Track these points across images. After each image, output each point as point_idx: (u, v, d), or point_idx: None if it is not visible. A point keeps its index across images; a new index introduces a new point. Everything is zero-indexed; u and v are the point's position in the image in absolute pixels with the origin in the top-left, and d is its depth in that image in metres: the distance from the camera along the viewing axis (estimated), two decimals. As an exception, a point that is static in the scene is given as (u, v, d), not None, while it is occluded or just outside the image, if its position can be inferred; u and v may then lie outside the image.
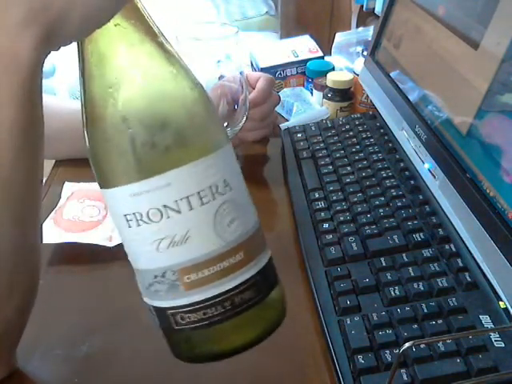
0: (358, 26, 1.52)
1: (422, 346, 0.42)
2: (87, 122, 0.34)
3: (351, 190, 0.63)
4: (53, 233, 0.60)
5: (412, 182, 0.62)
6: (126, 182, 0.33)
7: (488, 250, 0.46)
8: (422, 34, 0.69)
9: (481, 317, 0.44)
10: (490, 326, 0.44)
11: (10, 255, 0.39)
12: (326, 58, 0.98)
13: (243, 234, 0.34)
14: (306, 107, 0.89)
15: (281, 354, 0.47)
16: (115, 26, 0.33)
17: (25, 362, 0.46)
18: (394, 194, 0.60)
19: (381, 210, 0.58)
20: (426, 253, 0.52)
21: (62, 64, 1.74)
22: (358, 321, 0.46)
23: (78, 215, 0.63)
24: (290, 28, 2.23)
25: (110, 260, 0.56)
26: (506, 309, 0.44)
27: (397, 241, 0.54)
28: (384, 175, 0.64)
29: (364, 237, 0.55)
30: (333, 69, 0.92)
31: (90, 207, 0.64)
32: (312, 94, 0.92)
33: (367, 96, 0.84)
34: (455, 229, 0.53)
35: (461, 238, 0.52)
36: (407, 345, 0.34)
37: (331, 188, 0.65)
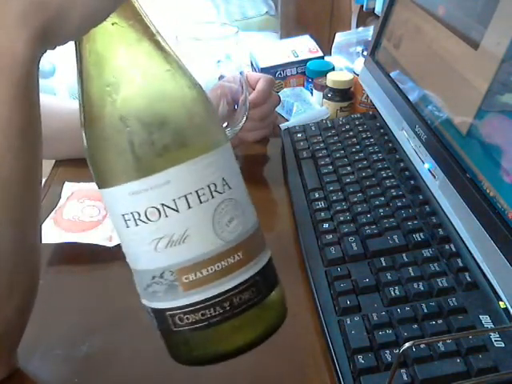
0: (358, 26, 1.52)
1: (422, 345, 0.42)
2: (85, 122, 0.34)
3: (351, 190, 0.63)
4: (53, 233, 0.60)
5: (412, 182, 0.62)
6: (125, 180, 0.33)
7: (488, 249, 0.46)
8: (422, 34, 0.69)
9: (481, 317, 0.44)
10: (490, 325, 0.44)
11: (9, 255, 0.39)
12: (326, 58, 0.98)
13: (242, 234, 0.34)
14: (306, 107, 0.89)
15: (281, 354, 0.47)
16: (112, 24, 0.33)
17: (25, 362, 0.46)
18: (394, 193, 0.60)
19: (381, 210, 0.58)
20: (426, 253, 0.52)
21: (61, 64, 1.73)
22: (358, 321, 0.46)
23: (78, 215, 0.63)
24: (289, 28, 2.23)
25: (110, 260, 0.56)
26: (506, 309, 0.44)
27: (397, 241, 0.54)
28: (384, 175, 0.64)
29: (364, 237, 0.55)
30: (333, 69, 0.92)
31: (89, 207, 0.64)
32: (312, 93, 0.92)
33: (367, 96, 0.84)
34: (455, 229, 0.53)
35: (461, 238, 0.52)
36: (407, 345, 0.34)
37: (331, 188, 0.65)
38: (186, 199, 0.32)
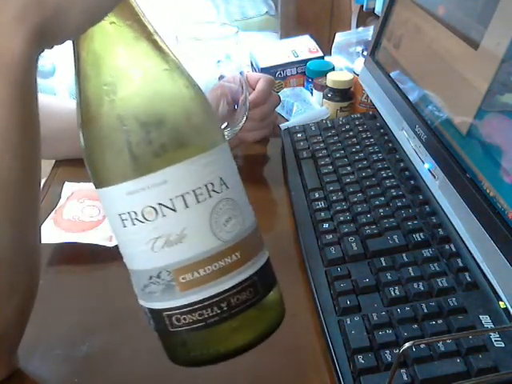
0: (358, 26, 1.52)
1: (422, 345, 0.42)
2: (83, 121, 0.34)
3: (351, 189, 0.63)
4: (53, 233, 0.60)
5: (412, 181, 0.62)
6: (122, 180, 0.33)
7: (488, 249, 0.46)
8: (422, 34, 0.69)
9: (481, 317, 0.44)
10: (490, 325, 0.44)
11: (9, 255, 0.39)
12: (326, 58, 0.98)
13: (240, 234, 0.34)
14: (306, 107, 0.89)
15: (281, 354, 0.47)
16: (110, 24, 0.33)
17: (25, 362, 0.46)
18: (394, 193, 0.60)
19: (381, 210, 0.58)
20: (426, 253, 0.52)
21: (61, 64, 1.73)
22: (358, 321, 0.46)
23: (77, 215, 0.63)
24: (289, 28, 2.23)
25: (110, 260, 0.56)
26: (506, 309, 0.44)
27: (397, 241, 0.54)
28: (384, 175, 0.64)
29: (364, 237, 0.55)
30: (333, 69, 0.92)
31: (89, 207, 0.64)
32: (312, 94, 0.92)
33: (367, 96, 0.84)
34: (455, 229, 0.53)
35: (461, 238, 0.52)
36: (407, 345, 0.34)
37: (331, 188, 0.64)
38: (184, 199, 0.32)
